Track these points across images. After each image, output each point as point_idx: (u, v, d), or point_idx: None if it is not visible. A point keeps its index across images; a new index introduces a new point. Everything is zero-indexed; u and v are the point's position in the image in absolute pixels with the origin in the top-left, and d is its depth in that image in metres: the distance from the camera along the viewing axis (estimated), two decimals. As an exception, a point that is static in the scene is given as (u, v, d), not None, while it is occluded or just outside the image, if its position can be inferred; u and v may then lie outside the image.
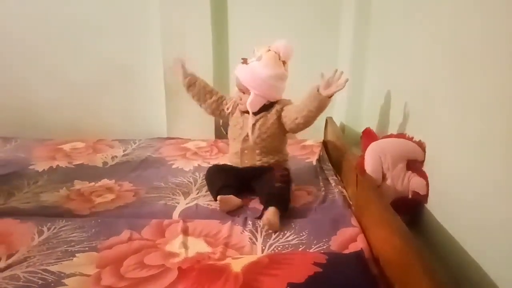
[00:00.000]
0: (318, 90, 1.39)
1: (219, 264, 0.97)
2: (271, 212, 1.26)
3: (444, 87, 1.17)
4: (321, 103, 1.41)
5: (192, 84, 1.61)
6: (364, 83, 2.15)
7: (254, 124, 1.51)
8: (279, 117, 1.53)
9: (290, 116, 1.50)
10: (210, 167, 1.60)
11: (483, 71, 0.96)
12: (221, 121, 2.38)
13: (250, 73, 1.48)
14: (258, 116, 1.53)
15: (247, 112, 1.53)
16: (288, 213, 1.37)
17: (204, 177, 1.64)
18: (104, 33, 2.35)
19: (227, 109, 1.60)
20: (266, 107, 1.53)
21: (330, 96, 1.40)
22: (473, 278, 0.94)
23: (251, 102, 1.49)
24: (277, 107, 1.54)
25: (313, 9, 2.32)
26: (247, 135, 1.52)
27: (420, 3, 1.43)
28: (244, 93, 1.51)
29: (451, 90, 1.13)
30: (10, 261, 1.05)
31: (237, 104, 1.57)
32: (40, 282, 0.96)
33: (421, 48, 1.38)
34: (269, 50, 1.49)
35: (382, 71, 1.90)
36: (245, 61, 1.50)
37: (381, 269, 0.99)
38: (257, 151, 1.53)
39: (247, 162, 1.55)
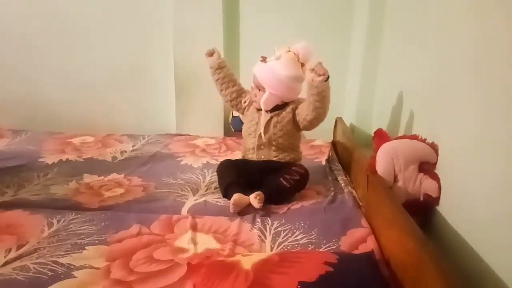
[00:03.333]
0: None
1: (229, 261, 0.96)
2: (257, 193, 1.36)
3: (458, 89, 1.16)
4: (319, 89, 1.40)
5: (222, 67, 1.61)
6: (375, 84, 2.14)
7: (269, 121, 1.52)
8: (294, 115, 1.53)
9: (302, 114, 1.50)
10: (222, 161, 1.59)
11: (497, 72, 0.95)
12: (230, 118, 2.39)
13: (267, 72, 1.48)
14: (272, 114, 1.53)
15: (262, 109, 1.53)
16: (297, 211, 1.37)
17: (212, 174, 1.65)
18: (116, 31, 2.36)
19: (244, 102, 1.61)
20: (280, 106, 1.53)
21: (325, 80, 1.38)
22: (485, 281, 0.93)
23: (265, 101, 1.49)
24: (292, 105, 1.54)
25: (325, 10, 2.31)
26: (263, 132, 1.52)
27: (433, 4, 1.42)
28: (259, 90, 1.51)
29: (464, 92, 1.12)
30: (20, 251, 1.05)
31: (252, 101, 1.58)
32: (50, 273, 0.96)
33: (434, 49, 1.37)
34: (289, 51, 1.48)
35: (393, 71, 1.89)
36: (264, 59, 1.50)
37: (392, 270, 0.98)
38: (273, 148, 1.54)
39: (263, 157, 1.55)
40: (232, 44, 2.36)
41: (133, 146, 2.06)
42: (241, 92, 1.63)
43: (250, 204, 1.37)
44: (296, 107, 1.53)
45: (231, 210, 1.33)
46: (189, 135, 2.28)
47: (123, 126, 2.38)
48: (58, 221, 1.22)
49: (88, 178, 1.61)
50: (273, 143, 1.53)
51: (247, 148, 1.59)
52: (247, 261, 0.93)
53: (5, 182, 1.52)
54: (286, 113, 1.53)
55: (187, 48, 2.28)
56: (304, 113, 1.49)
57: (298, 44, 1.50)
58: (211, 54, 1.61)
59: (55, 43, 2.37)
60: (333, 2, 2.30)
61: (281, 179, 1.45)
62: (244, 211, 1.35)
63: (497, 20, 0.98)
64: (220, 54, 1.63)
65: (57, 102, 2.43)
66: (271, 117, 1.52)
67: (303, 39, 1.52)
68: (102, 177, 1.63)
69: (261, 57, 1.51)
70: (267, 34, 2.28)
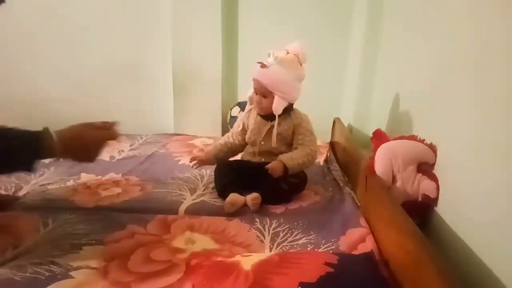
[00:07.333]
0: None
1: (228, 261, 0.95)
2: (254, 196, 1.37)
3: (456, 89, 1.16)
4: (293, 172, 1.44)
5: (220, 155, 1.61)
6: (373, 84, 2.14)
7: (270, 131, 1.49)
8: (293, 132, 1.51)
9: (294, 144, 1.51)
10: (219, 163, 1.58)
11: (497, 73, 0.95)
12: (228, 119, 2.38)
13: (275, 76, 1.44)
14: (272, 123, 1.50)
15: (263, 116, 1.51)
16: (295, 211, 1.37)
17: (210, 174, 1.65)
18: (114, 30, 2.35)
19: (245, 129, 1.59)
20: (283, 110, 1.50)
21: (286, 171, 1.43)
22: (483, 282, 0.93)
23: (277, 106, 1.46)
24: (294, 121, 1.50)
25: (324, 11, 2.31)
26: (262, 140, 1.52)
27: (432, 5, 1.42)
28: (265, 97, 1.47)
29: (463, 93, 1.12)
30: (16, 252, 1.04)
31: (248, 115, 1.58)
32: (47, 274, 0.95)
33: (432, 49, 1.37)
34: (288, 52, 1.46)
35: (392, 72, 1.89)
36: (263, 65, 1.46)
37: (391, 271, 0.98)
38: (275, 157, 1.49)
39: (263, 160, 1.53)
40: (230, 44, 2.36)
41: (130, 146, 2.06)
42: (241, 130, 1.60)
43: (246, 205, 1.37)
44: (298, 125, 1.50)
45: (226, 210, 1.33)
46: (187, 135, 2.28)
47: (120, 126, 2.36)
48: (53, 221, 1.21)
49: (85, 178, 1.60)
50: (275, 152, 1.51)
51: (249, 151, 1.58)
52: (247, 262, 0.93)
53: (2, 182, 1.51)
54: (288, 128, 1.50)
55: (185, 48, 2.28)
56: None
57: (294, 44, 1.48)
58: (203, 164, 1.60)
59: (54, 42, 2.36)
60: (332, 3, 2.30)
61: (280, 181, 1.43)
62: (241, 211, 1.34)
63: (497, 21, 0.98)
64: (209, 156, 1.60)
65: (55, 101, 2.42)
66: (272, 126, 1.49)
67: (301, 39, 1.52)
68: (100, 176, 1.62)
69: (259, 62, 1.48)
70: (265, 34, 2.28)
